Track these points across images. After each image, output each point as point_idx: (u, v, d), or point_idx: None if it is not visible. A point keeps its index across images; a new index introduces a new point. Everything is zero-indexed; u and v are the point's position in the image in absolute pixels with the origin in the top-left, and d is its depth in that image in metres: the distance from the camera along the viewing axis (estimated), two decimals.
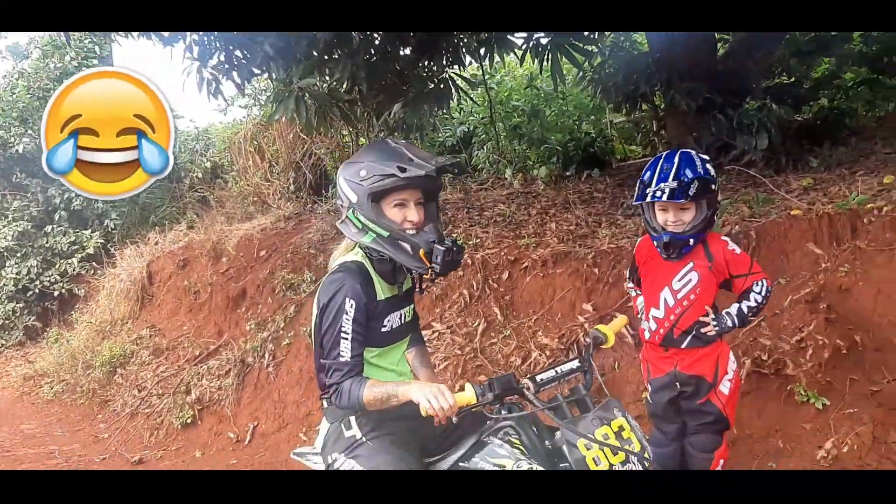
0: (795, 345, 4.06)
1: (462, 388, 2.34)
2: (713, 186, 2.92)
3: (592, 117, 9.74)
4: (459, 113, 10.16)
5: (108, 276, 10.20)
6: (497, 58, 6.25)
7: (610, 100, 7.85)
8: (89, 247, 10.96)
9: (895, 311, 4.05)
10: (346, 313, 2.40)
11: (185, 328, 8.27)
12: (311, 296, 6.58)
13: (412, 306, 2.82)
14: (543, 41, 5.61)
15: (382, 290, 2.56)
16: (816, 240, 4.57)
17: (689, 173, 2.87)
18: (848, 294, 4.24)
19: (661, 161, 2.97)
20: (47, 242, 11.06)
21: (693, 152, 3.00)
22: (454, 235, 5.59)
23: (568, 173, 7.98)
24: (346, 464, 2.52)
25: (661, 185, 2.89)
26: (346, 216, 2.53)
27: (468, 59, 6.55)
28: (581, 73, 7.66)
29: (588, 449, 2.30)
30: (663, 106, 7.44)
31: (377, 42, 6.15)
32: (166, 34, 5.67)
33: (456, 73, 6.53)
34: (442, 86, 6.34)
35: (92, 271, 10.90)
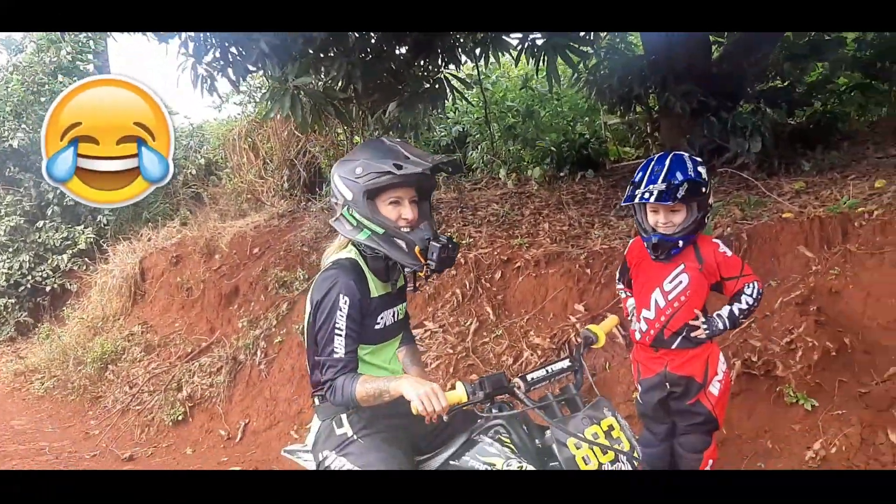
0: (785, 346, 4.09)
1: (453, 387, 2.35)
2: (704, 189, 2.94)
3: (587, 118, 9.76)
4: (454, 112, 10.17)
5: (101, 272, 10.16)
6: (492, 58, 6.27)
7: (604, 101, 7.88)
8: (81, 242, 10.91)
9: (884, 314, 4.09)
10: (341, 310, 2.41)
11: (178, 325, 8.25)
12: (303, 294, 6.58)
13: (405, 304, 2.84)
14: (539, 42, 5.63)
15: (376, 288, 2.57)
16: (807, 243, 4.60)
17: (679, 176, 2.89)
18: (838, 297, 4.28)
19: (653, 163, 2.99)
20: (40, 238, 11.02)
21: (685, 155, 3.02)
22: (448, 234, 5.60)
23: (562, 174, 7.99)
24: (336, 461, 2.52)
25: (650, 186, 2.91)
26: (341, 214, 2.53)
27: (464, 58, 6.55)
28: (576, 75, 7.68)
29: (578, 448, 2.31)
30: (657, 108, 7.47)
31: (373, 41, 6.15)
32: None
33: (451, 74, 6.54)
34: (437, 86, 6.36)
35: (84, 267, 10.86)
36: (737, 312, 3.03)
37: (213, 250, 8.59)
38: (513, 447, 2.49)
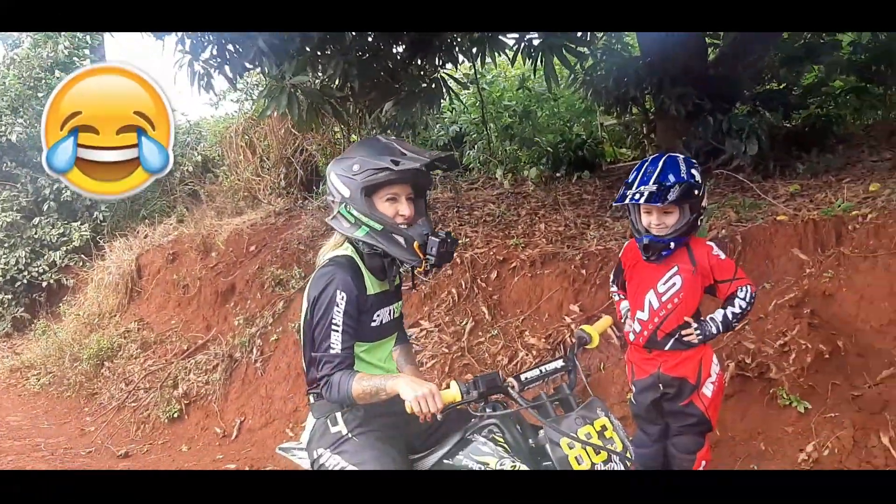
0: (779, 349, 4.11)
1: (447, 386, 2.36)
2: (697, 192, 2.95)
3: (583, 119, 9.78)
4: (451, 112, 10.18)
5: (97, 268, 10.16)
6: (489, 58, 6.28)
7: (601, 102, 7.89)
8: (76, 239, 10.89)
9: (877, 317, 4.11)
10: (338, 306, 2.41)
11: (174, 322, 8.25)
12: (299, 292, 6.59)
13: (401, 303, 2.85)
14: (535, 42, 5.64)
15: (372, 285, 2.58)
16: (801, 245, 4.62)
17: (671, 178, 2.91)
18: (831, 300, 4.30)
19: (646, 164, 3.01)
20: (36, 234, 11.01)
21: (680, 157, 3.04)
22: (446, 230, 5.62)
23: (558, 174, 8.00)
24: (331, 459, 2.53)
25: (641, 187, 2.93)
26: (338, 211, 2.54)
27: (461, 58, 6.56)
28: (572, 76, 7.70)
29: (571, 448, 2.32)
30: (653, 110, 7.49)
31: (370, 40, 6.16)
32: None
33: (448, 74, 6.55)
34: (434, 85, 6.36)
35: (81, 263, 10.86)
36: (730, 316, 3.05)
37: (210, 248, 8.60)
38: (506, 446, 2.50)
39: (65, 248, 11.00)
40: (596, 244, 5.53)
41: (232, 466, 5.58)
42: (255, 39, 5.33)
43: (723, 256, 3.09)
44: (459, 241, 6.18)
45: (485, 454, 2.47)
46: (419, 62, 6.37)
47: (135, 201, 11.60)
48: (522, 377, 2.55)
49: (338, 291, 2.42)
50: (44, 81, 11.57)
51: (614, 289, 3.52)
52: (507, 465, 2.40)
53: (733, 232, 4.88)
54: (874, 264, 4.26)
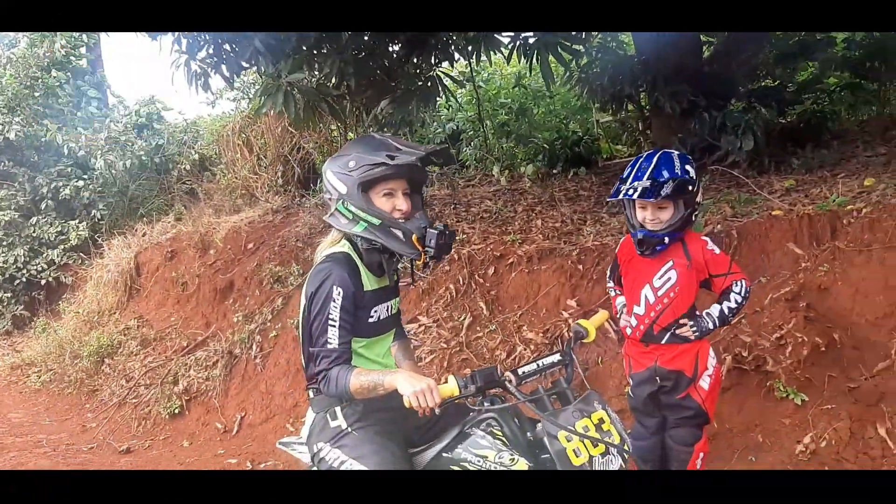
0: (775, 342, 4.15)
1: (445, 381, 2.39)
2: (691, 187, 2.98)
3: (579, 116, 9.81)
4: (448, 110, 10.20)
5: (96, 266, 10.16)
6: (484, 56, 6.30)
7: (596, 100, 7.92)
8: (73, 238, 10.90)
9: (872, 311, 4.15)
10: (334, 301, 2.44)
11: (173, 319, 8.27)
12: (298, 288, 6.62)
13: (398, 299, 2.87)
14: (531, 40, 5.66)
15: (369, 282, 2.60)
16: (797, 240, 4.66)
17: (665, 174, 2.94)
18: (827, 293, 4.34)
19: (641, 160, 3.05)
20: (34, 232, 11.01)
21: (675, 153, 3.07)
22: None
23: (554, 171, 8.03)
24: (331, 453, 2.55)
25: (635, 183, 2.97)
26: (336, 209, 2.56)
27: (457, 56, 6.58)
28: (568, 73, 7.72)
29: (568, 441, 2.34)
30: (648, 107, 7.51)
31: (366, 38, 6.17)
32: None
33: (444, 72, 6.57)
34: (430, 83, 6.38)
35: (80, 261, 10.87)
36: (726, 311, 3.08)
37: (208, 245, 8.61)
38: (504, 440, 2.52)
39: (63, 247, 10.99)
40: (592, 240, 5.56)
41: (233, 461, 5.61)
42: (251, 39, 5.35)
43: (717, 251, 3.12)
44: (457, 238, 6.21)
45: (483, 447, 2.50)
46: (415, 60, 6.38)
47: (133, 199, 11.63)
48: (520, 371, 2.58)
49: (334, 287, 2.45)
50: (41, 80, 11.57)
51: (611, 284, 3.55)
52: (506, 458, 2.42)
53: (729, 227, 4.92)
54: (869, 258, 4.30)
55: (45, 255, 10.98)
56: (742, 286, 3.08)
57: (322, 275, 2.49)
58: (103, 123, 11.75)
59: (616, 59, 7.46)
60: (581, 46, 6.32)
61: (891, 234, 4.28)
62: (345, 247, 2.61)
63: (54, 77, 11.86)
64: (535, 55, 5.53)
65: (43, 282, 10.98)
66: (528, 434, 2.52)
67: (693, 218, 3.09)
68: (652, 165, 2.99)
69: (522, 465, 2.41)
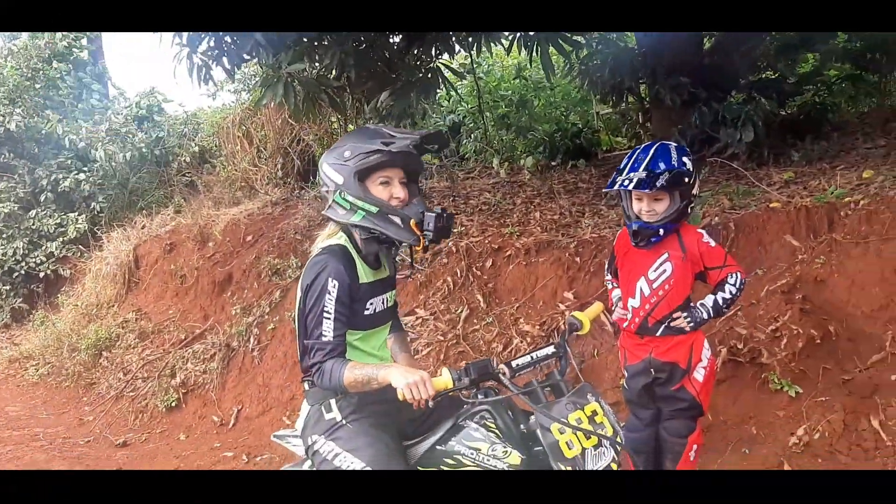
0: (770, 334, 4.15)
1: (439, 373, 2.39)
2: (687, 179, 2.97)
3: (579, 108, 9.77)
4: (448, 101, 10.18)
5: (95, 259, 10.15)
6: (485, 48, 6.28)
7: (596, 92, 7.90)
8: (72, 230, 10.88)
9: (868, 303, 4.15)
10: (329, 293, 2.44)
11: (171, 312, 8.27)
12: (296, 281, 6.61)
13: (394, 292, 2.87)
14: (531, 32, 5.64)
15: (365, 274, 2.60)
16: (794, 232, 4.66)
17: (661, 165, 2.94)
18: (823, 285, 4.34)
19: (638, 152, 3.05)
20: (34, 224, 11.00)
21: (672, 145, 3.06)
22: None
23: (554, 163, 8.02)
24: (325, 446, 2.55)
25: (632, 174, 2.97)
26: (333, 200, 2.56)
27: (457, 48, 6.56)
28: (568, 65, 7.70)
29: (561, 433, 2.34)
30: (648, 99, 7.49)
31: None
32: None
33: (444, 63, 6.55)
34: (430, 75, 6.36)
35: (78, 254, 10.86)
36: (720, 302, 3.08)
37: (207, 238, 8.61)
38: (498, 432, 2.52)
39: (62, 239, 10.97)
40: (590, 232, 5.55)
41: (229, 454, 5.61)
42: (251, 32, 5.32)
43: (713, 244, 3.12)
44: (455, 230, 6.20)
45: (476, 440, 2.50)
46: (415, 52, 6.36)
47: (133, 192, 11.62)
48: (514, 364, 2.58)
49: (329, 279, 2.45)
50: (42, 72, 11.55)
51: (609, 276, 3.56)
52: (499, 450, 2.43)
53: (727, 219, 4.91)
54: (866, 250, 4.30)
55: (44, 247, 10.97)
56: (737, 278, 3.08)
57: (318, 267, 2.49)
58: (104, 115, 11.74)
59: (616, 51, 7.44)
60: (582, 38, 6.30)
61: (888, 227, 4.28)
62: (341, 239, 2.61)
63: (55, 68, 11.84)
64: (535, 47, 5.51)
65: (42, 274, 10.97)
66: (522, 426, 2.53)
67: (689, 210, 3.09)
68: (649, 157, 3.00)
69: (515, 457, 2.42)
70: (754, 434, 3.91)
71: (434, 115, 10.02)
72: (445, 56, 6.65)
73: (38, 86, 11.44)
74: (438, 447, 2.60)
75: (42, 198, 11.13)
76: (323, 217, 2.67)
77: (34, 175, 11.12)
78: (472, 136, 9.37)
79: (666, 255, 3.10)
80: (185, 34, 5.72)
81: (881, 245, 4.25)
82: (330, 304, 2.44)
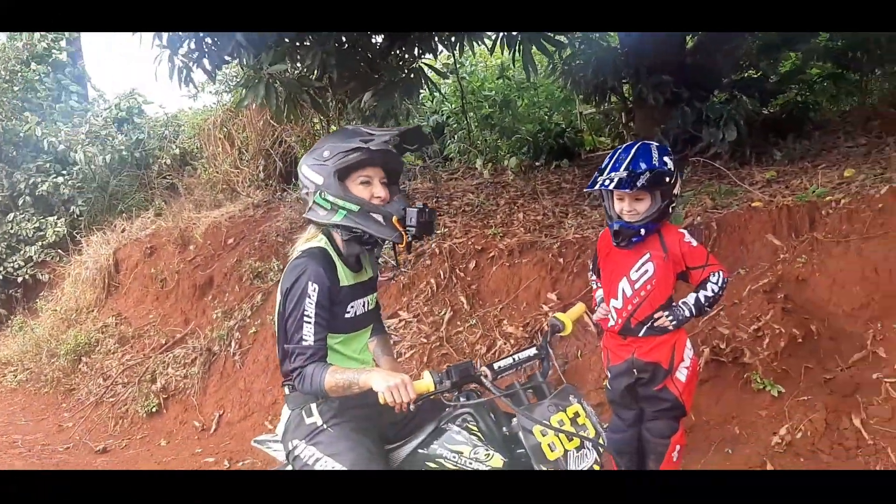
0: (753, 334, 4.15)
1: (420, 377, 2.37)
2: (668, 179, 2.96)
3: (563, 108, 9.78)
4: (432, 102, 10.16)
5: (74, 263, 10.03)
6: (468, 48, 6.26)
7: (579, 91, 7.91)
8: (52, 234, 10.74)
9: (849, 302, 4.16)
10: (310, 297, 2.41)
11: (152, 316, 8.19)
12: (277, 284, 6.54)
13: (375, 295, 2.84)
14: (514, 32, 5.62)
15: (346, 277, 2.57)
16: (776, 231, 4.67)
17: (642, 165, 2.93)
18: (805, 284, 4.35)
19: (620, 151, 3.04)
20: (12, 229, 10.85)
21: (654, 144, 3.05)
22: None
23: (538, 164, 8.02)
24: (306, 450, 2.53)
25: (612, 174, 2.96)
26: (314, 201, 2.54)
27: (440, 48, 6.54)
28: (551, 65, 7.70)
29: (543, 435, 2.33)
30: (632, 98, 7.50)
31: None
32: None
33: (427, 63, 6.52)
34: (413, 75, 6.34)
35: (57, 258, 10.73)
36: (702, 300, 3.07)
37: (188, 241, 8.53)
38: (480, 435, 2.50)
39: (41, 244, 10.83)
40: (573, 232, 5.55)
41: (210, 460, 5.56)
42: (232, 32, 5.27)
43: (694, 243, 3.11)
44: (438, 232, 6.18)
45: (458, 443, 2.48)
46: (397, 52, 6.33)
47: (113, 195, 11.49)
48: (495, 366, 2.57)
49: (310, 283, 2.42)
50: (20, 74, 11.41)
51: (593, 277, 3.54)
52: (481, 453, 2.41)
53: (709, 219, 4.92)
54: (847, 249, 4.31)
55: (22, 251, 10.81)
56: (719, 277, 3.07)
57: (297, 270, 2.46)
58: (83, 117, 11.62)
59: (599, 50, 7.44)
60: (564, 38, 6.29)
61: (868, 225, 4.30)
62: (321, 242, 2.58)
63: (34, 70, 11.70)
64: (518, 46, 5.50)
65: (20, 279, 10.80)
66: (504, 429, 2.51)
67: (670, 210, 3.08)
68: (630, 156, 2.98)
69: (497, 460, 2.40)
70: (737, 434, 3.91)
71: (418, 116, 9.99)
72: (429, 56, 6.62)
73: (16, 88, 11.30)
74: (420, 451, 2.58)
75: (20, 201, 10.98)
76: (305, 220, 2.64)
77: (12, 179, 10.96)
78: (456, 136, 9.35)
79: (648, 256, 3.08)
80: (164, 35, 5.66)
81: (862, 244, 4.26)
82: (310, 307, 2.41)
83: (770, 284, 4.33)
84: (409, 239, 2.51)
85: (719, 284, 3.06)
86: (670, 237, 3.08)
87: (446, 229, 6.28)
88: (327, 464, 2.45)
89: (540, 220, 6.07)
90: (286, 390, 2.65)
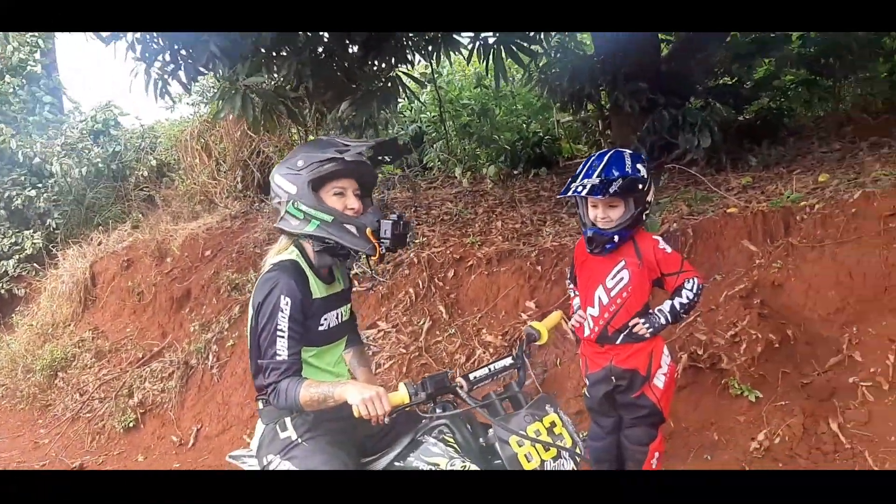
0: (730, 339, 4.16)
1: (396, 388, 2.35)
2: (641, 186, 2.97)
3: (540, 116, 9.82)
4: (411, 111, 10.16)
5: (50, 277, 9.89)
6: (444, 57, 6.26)
7: (556, 100, 7.93)
8: (28, 247, 10.61)
9: (824, 306, 4.19)
10: (282, 311, 2.39)
11: (129, 330, 8.09)
12: None
13: (349, 306, 2.83)
14: (490, 41, 5.64)
15: (319, 289, 2.56)
16: (751, 237, 4.69)
17: (615, 172, 2.94)
18: (780, 290, 4.37)
19: (593, 158, 3.05)
20: None
21: (627, 152, 3.06)
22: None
23: (516, 172, 8.04)
24: (281, 465, 2.51)
25: (585, 180, 2.97)
26: (286, 211, 2.52)
27: (417, 57, 6.53)
28: (528, 73, 7.73)
29: (520, 446, 2.31)
30: (608, 106, 7.54)
31: (324, 40, 6.10)
32: (105, 33, 5.51)
33: (404, 72, 6.52)
34: (390, 84, 6.32)
35: (33, 272, 10.60)
36: (678, 307, 3.07)
37: (165, 253, 8.44)
38: (456, 447, 2.49)
39: (17, 258, 10.70)
40: (551, 240, 5.55)
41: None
42: (206, 43, 5.23)
43: (669, 250, 3.11)
44: (417, 241, 6.16)
45: (435, 455, 2.46)
46: (372, 62, 6.32)
47: (89, 208, 11.38)
48: (471, 376, 2.56)
49: (282, 296, 2.40)
50: None
51: (571, 285, 3.54)
52: (458, 465, 2.39)
53: (685, 225, 4.93)
54: (821, 254, 4.34)
55: None
56: (694, 283, 3.07)
57: (269, 284, 2.44)
58: (59, 129, 11.51)
59: (575, 58, 7.48)
60: (539, 48, 6.31)
61: (842, 230, 4.33)
62: (292, 254, 2.56)
63: (7, 83, 11.59)
64: (490, 56, 5.51)
65: None
66: (481, 440, 2.50)
67: (644, 217, 3.09)
68: (603, 163, 3.00)
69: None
70: (715, 440, 3.92)
71: (397, 125, 9.99)
72: (404, 66, 6.61)
73: None
74: (397, 463, 2.57)
75: None
76: (276, 229, 2.62)
77: None
78: (435, 145, 9.35)
79: (623, 263, 3.09)
80: (138, 47, 5.61)
81: (836, 248, 4.30)
82: (283, 321, 2.39)
83: (746, 290, 4.35)
84: (383, 251, 2.49)
85: (694, 291, 3.07)
86: (644, 244, 3.09)
87: (425, 238, 6.27)
88: None
89: (518, 229, 6.07)
90: (260, 405, 2.64)
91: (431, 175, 8.94)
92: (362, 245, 2.48)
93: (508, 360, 2.65)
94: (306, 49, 5.75)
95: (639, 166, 3.00)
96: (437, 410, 2.49)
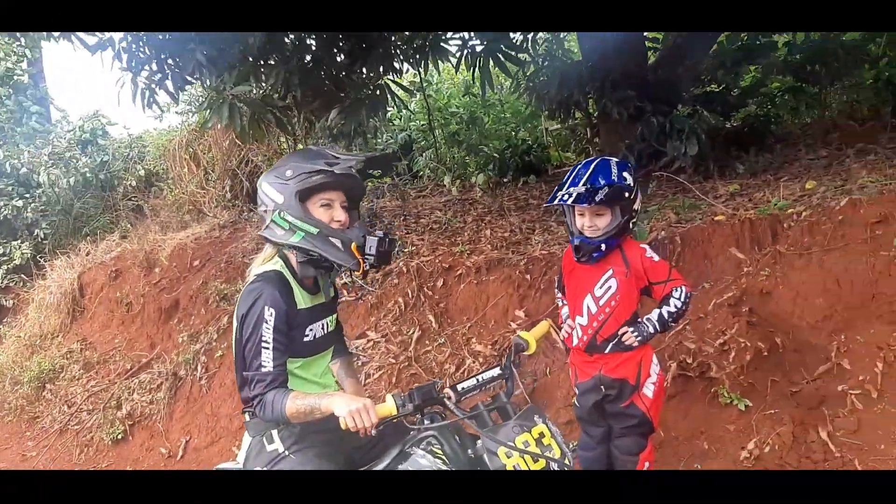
0: (719, 348, 4.16)
1: (383, 400, 2.33)
2: (627, 194, 2.97)
3: (529, 124, 9.83)
4: (400, 119, 10.16)
5: (38, 288, 9.85)
6: (431, 65, 6.26)
7: (545, 107, 7.94)
8: (16, 258, 10.56)
9: (812, 314, 4.19)
10: (267, 322, 2.37)
11: (117, 341, 8.05)
12: None
13: (335, 316, 2.81)
14: (478, 48, 5.64)
15: (303, 299, 2.54)
16: (739, 244, 4.70)
17: (601, 180, 2.93)
18: (769, 297, 4.37)
19: (580, 167, 3.05)
20: None
21: (614, 160, 3.06)
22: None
23: (505, 180, 8.04)
24: None
25: (571, 189, 2.96)
26: (271, 220, 2.51)
27: (405, 65, 6.53)
28: (516, 81, 7.74)
29: (508, 457, 2.30)
30: (596, 113, 7.55)
31: (313, 48, 6.09)
32: (91, 42, 5.48)
33: (392, 80, 6.52)
34: (378, 92, 6.32)
35: (21, 283, 10.53)
36: (666, 315, 3.06)
37: (153, 263, 8.41)
38: (445, 458, 2.47)
39: (5, 268, 10.65)
40: (540, 249, 5.55)
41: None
42: (193, 52, 5.22)
43: (656, 258, 3.11)
44: (406, 250, 6.15)
45: (423, 467, 2.44)
46: (360, 70, 6.32)
47: (77, 218, 11.32)
48: (459, 387, 2.55)
49: (266, 308, 2.38)
50: None
51: (559, 294, 3.53)
52: None
53: (672, 233, 4.94)
54: (809, 261, 4.35)
55: None
56: (682, 292, 3.07)
57: (253, 295, 2.42)
58: (46, 139, 11.47)
59: (563, 66, 7.49)
60: (527, 55, 6.32)
61: (829, 237, 4.34)
62: (276, 265, 2.55)
63: None
64: (478, 63, 5.52)
65: None
66: (469, 451, 2.47)
67: (631, 225, 3.08)
68: (589, 172, 2.99)
69: None
70: (706, 449, 3.91)
71: (386, 133, 9.99)
72: (392, 74, 6.60)
73: None
74: None
75: None
76: (260, 237, 2.61)
77: None
78: (424, 154, 9.36)
79: (611, 272, 3.08)
80: (124, 56, 5.59)
81: (823, 256, 4.31)
82: (268, 333, 2.37)
83: (734, 298, 4.35)
84: (367, 267, 2.48)
85: (682, 300, 3.06)
86: (632, 252, 3.08)
87: (414, 247, 6.26)
88: None
89: (507, 237, 6.07)
90: (246, 417, 2.61)
91: (421, 183, 8.94)
92: (346, 260, 2.47)
93: (497, 371, 2.63)
94: (294, 57, 5.75)
95: (625, 174, 2.99)
96: (426, 422, 2.47)
